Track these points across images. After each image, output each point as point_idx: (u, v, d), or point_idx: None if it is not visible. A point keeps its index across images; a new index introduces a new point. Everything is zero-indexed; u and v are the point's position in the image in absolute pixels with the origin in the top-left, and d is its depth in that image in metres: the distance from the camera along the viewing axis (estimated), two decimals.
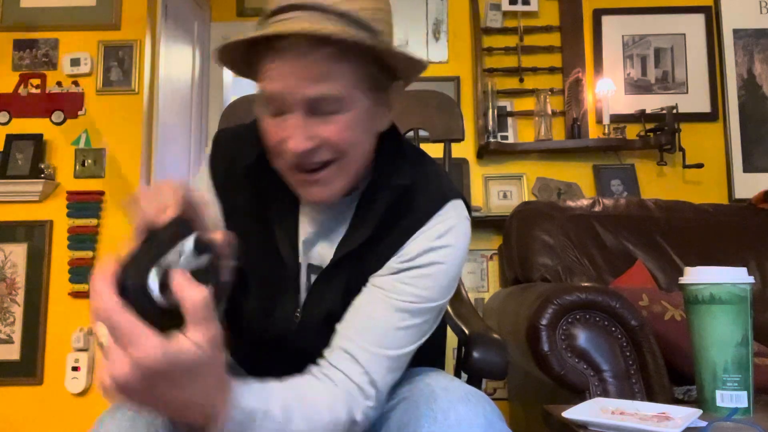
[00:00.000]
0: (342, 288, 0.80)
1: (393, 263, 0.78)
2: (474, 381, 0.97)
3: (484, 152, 2.63)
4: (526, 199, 2.57)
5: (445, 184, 0.84)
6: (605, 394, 1.30)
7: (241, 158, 0.82)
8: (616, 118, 2.62)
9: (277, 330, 0.82)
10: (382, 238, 0.79)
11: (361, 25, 0.71)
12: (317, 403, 0.67)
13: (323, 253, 0.82)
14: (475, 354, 0.92)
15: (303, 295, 0.83)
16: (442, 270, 0.78)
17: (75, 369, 2.34)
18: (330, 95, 0.71)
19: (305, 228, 0.84)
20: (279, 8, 0.71)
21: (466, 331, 1.01)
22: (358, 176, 0.79)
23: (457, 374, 0.99)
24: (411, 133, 1.31)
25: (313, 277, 0.82)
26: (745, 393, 0.96)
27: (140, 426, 0.67)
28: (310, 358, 0.76)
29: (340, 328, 0.76)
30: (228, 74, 3.55)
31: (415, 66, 0.78)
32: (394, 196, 0.79)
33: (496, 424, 0.65)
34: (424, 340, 0.78)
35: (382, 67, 0.75)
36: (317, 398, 0.68)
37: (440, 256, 0.77)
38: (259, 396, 0.62)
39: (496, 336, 0.97)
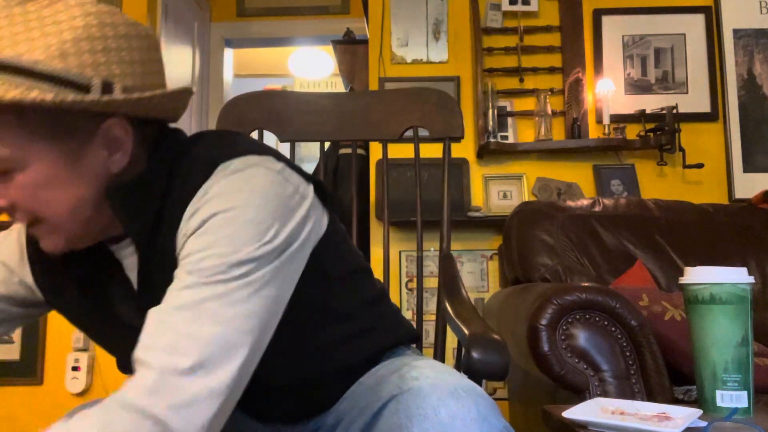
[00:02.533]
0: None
1: (179, 240, 0.68)
2: (474, 382, 0.97)
3: (484, 152, 2.63)
4: (526, 199, 2.57)
5: (220, 152, 0.71)
6: (605, 394, 1.30)
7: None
8: (616, 118, 2.62)
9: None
10: (162, 239, 0.71)
11: (30, 74, 0.62)
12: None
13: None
14: (475, 355, 0.92)
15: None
16: (222, 220, 0.64)
17: (75, 369, 2.34)
18: None
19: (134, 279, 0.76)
20: None
21: (466, 332, 1.01)
22: (101, 224, 0.72)
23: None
24: (410, 132, 1.31)
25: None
26: (745, 393, 0.96)
27: None
28: None
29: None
30: (228, 74, 3.55)
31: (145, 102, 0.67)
32: (159, 192, 0.71)
33: (491, 418, 0.62)
34: (279, 308, 0.67)
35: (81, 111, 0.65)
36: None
37: (211, 208, 0.65)
38: None
39: (496, 336, 0.97)
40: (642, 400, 1.25)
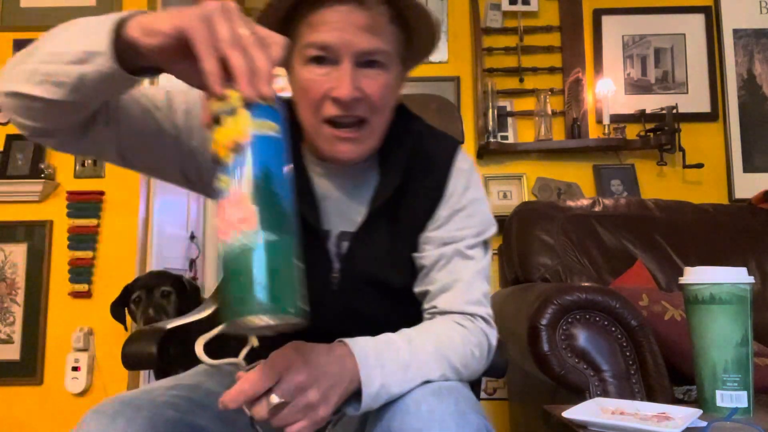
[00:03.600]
0: (382, 247, 0.83)
1: (441, 212, 0.85)
2: (475, 382, 0.97)
3: (484, 152, 2.63)
4: (526, 199, 2.57)
5: (446, 133, 0.93)
6: (605, 394, 1.30)
7: None
8: (616, 118, 2.62)
9: (313, 295, 0.82)
10: (410, 188, 0.84)
11: None
12: (445, 330, 0.79)
13: (352, 216, 0.84)
14: None
15: (335, 260, 0.84)
16: (481, 201, 0.89)
17: (75, 369, 2.34)
18: (382, 50, 0.76)
19: (326, 194, 0.86)
20: None
21: None
22: (378, 142, 0.84)
23: None
24: None
25: (345, 244, 0.84)
26: (745, 393, 0.96)
27: (120, 425, 0.66)
28: (354, 316, 0.81)
29: (435, 299, 0.84)
30: None
31: (431, 41, 0.83)
32: (412, 141, 0.86)
33: (468, 414, 0.64)
34: None
35: (408, 39, 0.81)
36: (444, 328, 0.80)
37: (475, 192, 0.88)
38: (372, 339, 0.72)
39: None
40: (642, 400, 1.25)
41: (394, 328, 0.77)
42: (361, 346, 0.69)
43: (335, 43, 0.74)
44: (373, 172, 0.86)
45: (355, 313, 0.82)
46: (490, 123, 2.62)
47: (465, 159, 0.91)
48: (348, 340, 0.69)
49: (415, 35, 0.81)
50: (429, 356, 0.73)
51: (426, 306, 0.85)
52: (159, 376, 1.10)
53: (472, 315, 0.83)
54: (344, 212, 0.85)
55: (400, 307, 0.85)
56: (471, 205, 0.87)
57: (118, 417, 0.67)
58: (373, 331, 0.75)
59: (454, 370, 0.75)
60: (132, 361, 1.12)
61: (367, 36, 0.75)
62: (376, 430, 0.66)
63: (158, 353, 1.11)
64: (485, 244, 0.88)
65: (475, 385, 0.99)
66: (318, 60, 0.76)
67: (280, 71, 0.74)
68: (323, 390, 0.62)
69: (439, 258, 0.84)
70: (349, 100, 0.74)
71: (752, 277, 1.00)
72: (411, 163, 0.85)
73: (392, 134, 0.85)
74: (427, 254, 0.85)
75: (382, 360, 0.68)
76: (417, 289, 0.86)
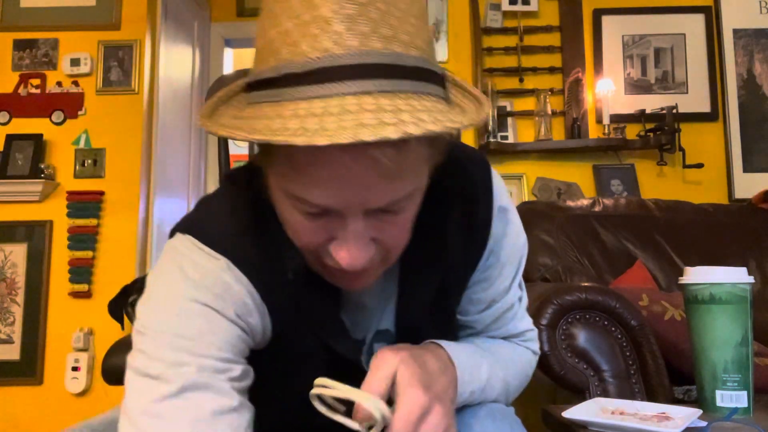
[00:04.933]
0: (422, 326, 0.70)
1: (484, 261, 0.71)
2: None
3: (484, 152, 2.63)
4: (526, 199, 2.57)
5: (471, 168, 0.69)
6: (605, 394, 1.29)
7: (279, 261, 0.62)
8: (616, 118, 2.62)
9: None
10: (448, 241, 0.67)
11: (429, 74, 0.50)
12: (511, 355, 0.77)
13: (385, 317, 0.70)
14: None
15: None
16: (516, 222, 0.73)
17: (75, 369, 2.34)
18: (405, 195, 0.53)
19: (352, 305, 0.68)
20: (315, 71, 0.46)
21: None
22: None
23: None
24: None
25: (377, 346, 0.70)
26: (745, 393, 0.96)
27: None
28: None
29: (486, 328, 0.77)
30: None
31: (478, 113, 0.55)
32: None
33: None
34: None
35: None
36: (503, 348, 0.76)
37: (511, 216, 0.72)
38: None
39: None
40: (642, 400, 1.25)
41: None
42: (461, 360, 0.65)
43: (336, 205, 0.51)
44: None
45: None
46: (490, 123, 2.62)
47: (500, 186, 0.71)
48: (446, 346, 0.65)
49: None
50: (498, 382, 0.72)
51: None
52: None
53: (522, 336, 0.80)
54: (378, 313, 0.70)
55: None
56: (508, 236, 0.71)
57: None
58: None
59: (508, 396, 0.76)
60: (113, 376, 0.96)
61: (384, 185, 0.50)
62: None
63: None
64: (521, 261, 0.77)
65: None
66: (307, 211, 0.53)
67: None
68: (449, 413, 0.58)
69: (486, 319, 0.75)
70: (359, 268, 0.54)
71: (752, 277, 1.00)
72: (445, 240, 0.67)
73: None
74: (472, 318, 0.75)
75: (470, 378, 0.66)
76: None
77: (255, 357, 0.63)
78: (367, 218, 0.52)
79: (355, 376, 0.59)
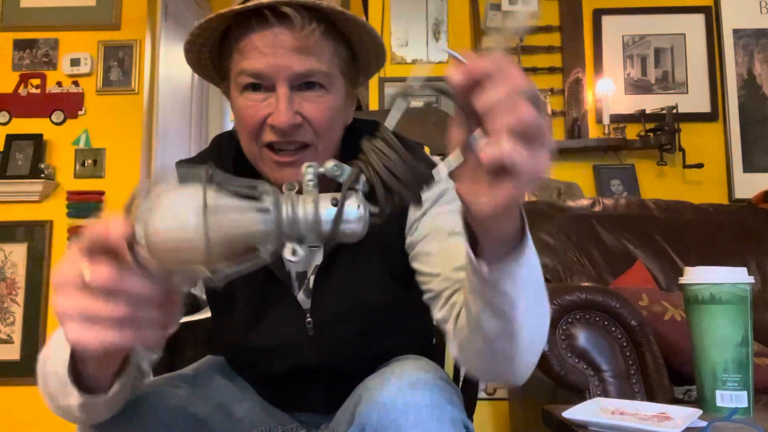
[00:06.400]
0: (352, 276, 0.79)
1: (413, 215, 0.78)
2: (474, 382, 0.97)
3: None
4: (526, 199, 2.57)
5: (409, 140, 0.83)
6: (605, 394, 1.30)
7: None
8: (616, 118, 2.62)
9: (287, 346, 0.81)
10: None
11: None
12: None
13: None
14: None
15: (305, 301, 0.81)
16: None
17: None
18: (319, 71, 0.72)
19: None
20: None
21: None
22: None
23: (457, 375, 0.99)
24: None
25: (312, 279, 0.81)
26: (745, 393, 0.96)
27: (127, 411, 0.68)
28: (339, 353, 0.78)
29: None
30: None
31: (378, 53, 0.78)
32: None
33: (443, 405, 0.63)
34: None
35: (352, 54, 0.77)
36: None
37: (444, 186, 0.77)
38: None
39: None
40: (642, 400, 1.25)
41: (388, 354, 0.76)
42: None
43: (266, 69, 0.71)
44: None
45: (340, 350, 0.79)
46: None
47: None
48: None
49: (358, 50, 0.77)
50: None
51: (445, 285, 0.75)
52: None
53: None
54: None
55: (393, 330, 0.82)
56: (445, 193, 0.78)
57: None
58: (364, 363, 0.75)
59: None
60: None
61: (299, 57, 0.70)
62: (355, 425, 0.65)
63: None
64: None
65: (472, 385, 0.99)
66: (253, 87, 0.73)
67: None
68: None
69: (426, 234, 0.77)
70: (287, 127, 0.71)
71: (752, 277, 1.00)
72: None
73: (344, 155, 0.78)
74: (416, 251, 0.77)
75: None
76: (424, 285, 0.77)
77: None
78: (293, 91, 0.72)
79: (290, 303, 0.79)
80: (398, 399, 0.63)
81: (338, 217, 0.47)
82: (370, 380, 0.71)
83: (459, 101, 0.45)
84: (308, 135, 0.73)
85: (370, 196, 0.49)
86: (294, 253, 0.47)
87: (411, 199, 0.50)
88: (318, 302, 0.81)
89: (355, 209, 0.48)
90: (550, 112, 2.62)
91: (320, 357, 0.81)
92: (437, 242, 0.75)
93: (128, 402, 0.67)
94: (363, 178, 0.49)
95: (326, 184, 0.48)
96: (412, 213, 0.79)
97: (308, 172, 0.49)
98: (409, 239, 0.79)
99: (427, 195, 0.73)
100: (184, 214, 0.43)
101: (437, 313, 0.73)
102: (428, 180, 0.49)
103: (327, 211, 0.47)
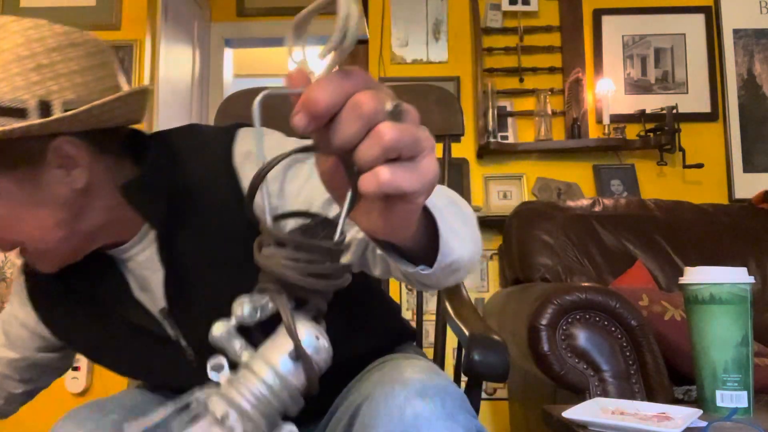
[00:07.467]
0: (204, 289, 0.74)
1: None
2: (474, 383, 0.97)
3: (484, 152, 2.63)
4: (526, 199, 2.57)
5: (222, 136, 0.77)
6: (605, 394, 1.30)
7: None
8: (616, 118, 2.62)
9: (182, 376, 0.76)
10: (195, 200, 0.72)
11: None
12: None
13: (154, 284, 0.76)
14: (476, 356, 0.91)
15: (179, 338, 0.78)
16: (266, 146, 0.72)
17: (75, 369, 2.34)
18: None
19: (132, 282, 0.78)
20: None
21: (467, 332, 1.01)
22: (87, 238, 0.71)
23: (457, 375, 0.99)
24: None
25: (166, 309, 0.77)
26: (745, 393, 0.96)
27: (88, 427, 0.68)
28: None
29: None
30: (228, 74, 3.56)
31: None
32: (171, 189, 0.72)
33: (457, 415, 0.60)
34: None
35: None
36: None
37: (252, 159, 0.73)
38: None
39: (496, 337, 0.96)
40: (642, 400, 1.25)
41: None
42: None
43: None
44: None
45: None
46: (490, 123, 2.62)
47: (245, 141, 0.75)
48: None
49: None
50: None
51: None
52: None
53: None
54: (146, 287, 0.76)
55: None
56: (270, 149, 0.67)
57: (87, 421, 0.72)
58: None
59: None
60: None
61: None
62: None
63: None
64: None
65: (476, 386, 0.98)
66: None
67: None
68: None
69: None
70: None
71: (752, 277, 1.00)
72: (177, 205, 0.72)
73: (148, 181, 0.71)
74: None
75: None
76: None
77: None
78: None
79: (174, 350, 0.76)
80: (407, 410, 0.59)
81: (307, 366, 0.39)
82: (365, 387, 0.68)
83: (320, 147, 0.38)
84: (11, 246, 0.70)
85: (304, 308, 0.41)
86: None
87: (341, 276, 0.43)
88: (182, 323, 0.76)
89: (314, 342, 0.40)
90: (550, 112, 2.62)
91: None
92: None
93: (91, 418, 0.71)
94: (288, 302, 0.40)
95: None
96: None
97: (221, 338, 0.41)
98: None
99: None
100: None
101: None
102: (341, 249, 0.42)
103: (285, 366, 0.39)
